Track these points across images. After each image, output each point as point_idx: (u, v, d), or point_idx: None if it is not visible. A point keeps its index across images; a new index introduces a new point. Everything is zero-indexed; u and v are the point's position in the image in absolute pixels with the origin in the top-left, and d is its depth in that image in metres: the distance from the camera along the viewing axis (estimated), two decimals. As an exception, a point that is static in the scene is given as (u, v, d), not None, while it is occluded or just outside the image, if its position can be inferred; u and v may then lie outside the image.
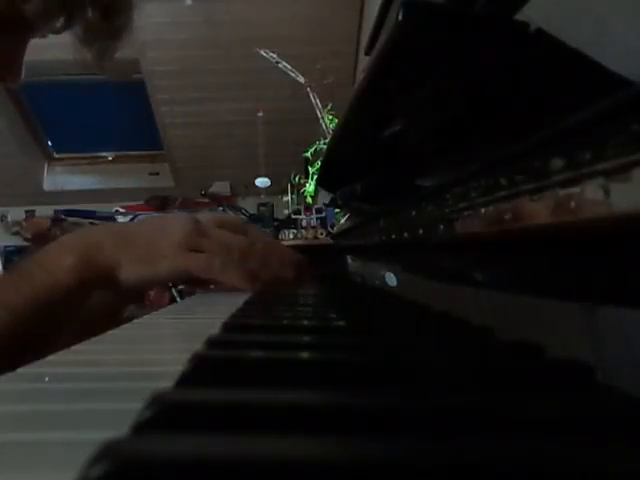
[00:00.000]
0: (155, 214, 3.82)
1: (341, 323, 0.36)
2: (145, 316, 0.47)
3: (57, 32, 0.56)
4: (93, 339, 0.31)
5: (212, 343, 0.25)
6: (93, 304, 0.57)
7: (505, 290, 0.35)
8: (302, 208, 2.89)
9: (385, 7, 0.60)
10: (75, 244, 0.54)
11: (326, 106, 2.85)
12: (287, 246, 0.72)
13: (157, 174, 4.13)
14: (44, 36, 0.57)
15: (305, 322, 0.37)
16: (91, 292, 0.54)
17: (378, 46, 0.41)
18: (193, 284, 0.68)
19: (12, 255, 4.09)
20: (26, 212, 4.18)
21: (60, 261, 0.52)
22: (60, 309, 0.51)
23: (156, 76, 3.38)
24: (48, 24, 0.55)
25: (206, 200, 4.05)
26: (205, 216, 0.61)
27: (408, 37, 0.35)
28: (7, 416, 0.17)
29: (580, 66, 0.27)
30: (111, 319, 0.38)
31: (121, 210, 3.97)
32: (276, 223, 3.39)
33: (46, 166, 4.12)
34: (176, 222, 0.58)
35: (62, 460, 0.13)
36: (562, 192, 0.25)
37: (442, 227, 0.41)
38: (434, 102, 0.44)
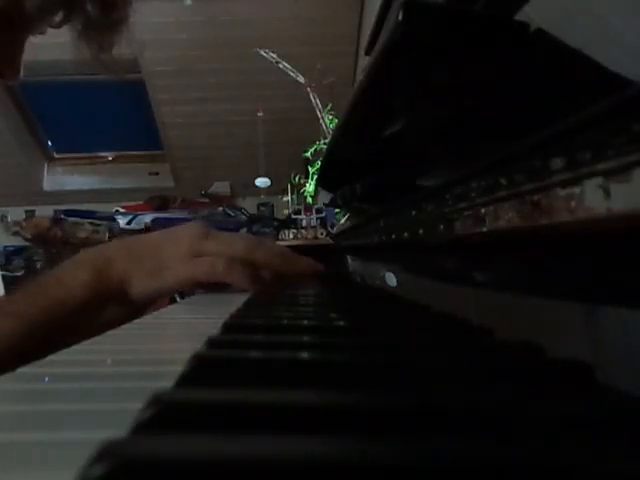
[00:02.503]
0: (155, 214, 3.83)
1: (341, 323, 0.36)
2: (145, 316, 0.47)
3: (56, 27, 0.56)
4: (93, 339, 0.31)
5: (212, 343, 0.25)
6: (109, 318, 0.57)
7: (505, 290, 0.35)
8: (302, 208, 2.89)
9: (385, 7, 0.60)
10: (89, 259, 0.55)
11: (326, 106, 2.85)
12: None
13: (157, 174, 4.12)
14: (42, 33, 0.57)
15: (305, 322, 0.37)
16: (104, 307, 0.55)
17: (378, 46, 0.41)
18: (205, 288, 0.68)
19: (12, 255, 4.09)
20: (26, 212, 4.18)
21: (74, 275, 0.53)
22: (73, 322, 0.52)
23: (156, 76, 3.38)
24: (48, 19, 0.55)
25: (206, 200, 4.04)
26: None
27: (408, 37, 0.35)
28: (7, 416, 0.17)
29: (580, 66, 0.27)
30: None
31: (121, 210, 3.96)
32: (276, 223, 3.38)
33: (46, 166, 4.12)
34: (181, 230, 0.59)
35: (62, 460, 0.13)
36: (562, 192, 0.25)
37: (442, 227, 0.41)
38: (434, 102, 0.44)
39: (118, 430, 0.14)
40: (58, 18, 0.55)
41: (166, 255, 0.56)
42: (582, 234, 0.25)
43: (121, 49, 0.60)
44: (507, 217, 0.30)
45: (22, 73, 0.57)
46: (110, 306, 0.55)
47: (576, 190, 0.23)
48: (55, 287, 0.52)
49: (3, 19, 0.53)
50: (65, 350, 0.27)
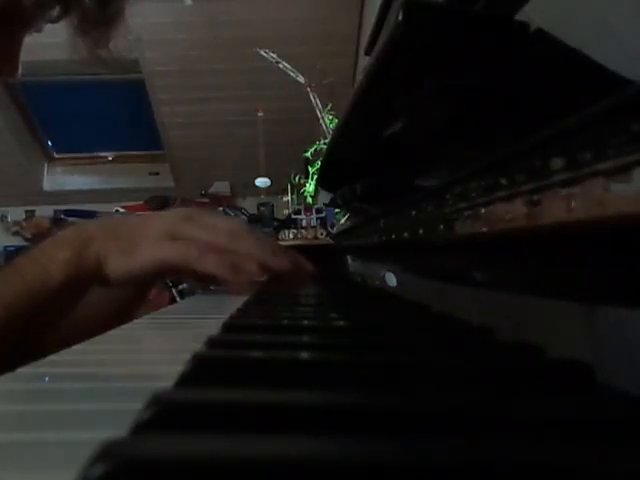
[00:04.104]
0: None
1: (341, 323, 0.36)
2: (145, 316, 0.47)
3: (53, 21, 0.56)
4: (93, 339, 0.31)
5: (212, 343, 0.25)
6: (100, 303, 0.57)
7: (505, 290, 0.35)
8: (302, 208, 2.89)
9: (385, 7, 0.60)
10: (68, 239, 0.54)
11: (326, 106, 2.85)
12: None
13: (157, 174, 4.13)
14: (39, 30, 0.57)
15: (305, 322, 0.37)
16: (85, 287, 0.54)
17: (378, 46, 0.41)
18: (193, 278, 0.67)
19: (12, 255, 4.09)
20: (26, 212, 4.18)
21: (53, 255, 0.52)
22: (53, 304, 0.51)
23: (156, 76, 3.38)
24: (45, 14, 0.55)
25: (206, 200, 4.04)
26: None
27: (408, 37, 0.35)
28: (7, 416, 0.17)
29: (580, 66, 0.27)
30: (124, 318, 0.38)
31: (121, 210, 3.96)
32: (276, 223, 3.38)
33: (46, 166, 4.12)
34: (165, 212, 0.58)
35: (62, 460, 0.13)
36: (562, 192, 0.25)
37: (442, 227, 0.41)
38: (434, 102, 0.44)
39: (118, 430, 0.14)
40: (55, 13, 0.55)
41: (141, 234, 0.55)
42: (582, 234, 0.25)
43: (118, 44, 0.60)
44: (507, 217, 0.30)
45: (20, 70, 0.57)
46: (95, 287, 0.54)
47: (576, 190, 0.23)
48: (33, 269, 0.50)
49: (0, 15, 0.52)
50: (65, 350, 0.27)
